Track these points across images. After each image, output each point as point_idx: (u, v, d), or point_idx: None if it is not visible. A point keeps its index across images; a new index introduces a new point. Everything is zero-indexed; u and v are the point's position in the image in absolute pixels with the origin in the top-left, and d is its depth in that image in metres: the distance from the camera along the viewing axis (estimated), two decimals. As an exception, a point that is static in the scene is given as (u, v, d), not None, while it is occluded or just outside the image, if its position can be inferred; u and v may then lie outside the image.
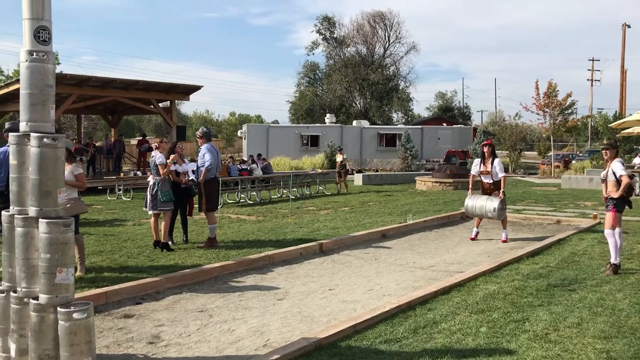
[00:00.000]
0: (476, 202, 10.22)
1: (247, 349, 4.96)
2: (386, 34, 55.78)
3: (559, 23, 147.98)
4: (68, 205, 7.12)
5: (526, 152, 44.51)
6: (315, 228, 11.19)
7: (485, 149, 10.26)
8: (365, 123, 38.52)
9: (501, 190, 10.10)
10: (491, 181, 10.23)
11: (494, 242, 10.25)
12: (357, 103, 55.46)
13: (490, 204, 9.96)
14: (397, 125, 48.29)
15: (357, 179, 24.12)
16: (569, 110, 30.35)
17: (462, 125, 42.14)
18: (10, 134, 4.42)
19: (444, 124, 41.65)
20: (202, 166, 9.38)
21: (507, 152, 33.44)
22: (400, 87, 56.48)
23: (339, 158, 20.33)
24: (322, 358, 4.53)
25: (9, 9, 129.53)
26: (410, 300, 5.99)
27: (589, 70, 53.86)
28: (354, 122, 38.64)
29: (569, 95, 29.09)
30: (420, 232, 11.36)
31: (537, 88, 28.70)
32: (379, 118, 52.41)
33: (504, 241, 10.10)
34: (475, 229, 10.47)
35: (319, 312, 6.04)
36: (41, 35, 4.25)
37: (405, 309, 5.79)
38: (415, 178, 22.63)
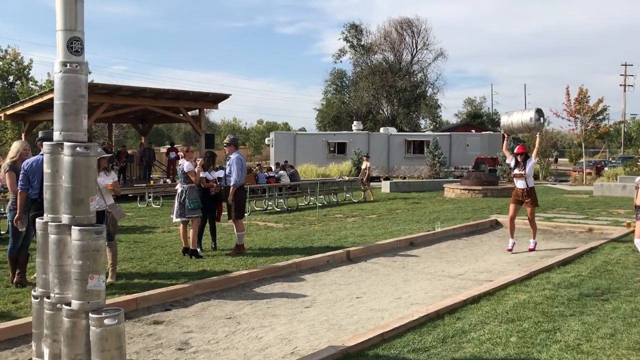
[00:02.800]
0: (512, 117, 10.38)
1: (274, 356, 4.97)
2: (414, 41, 55.57)
3: (591, 28, 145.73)
4: (113, 210, 7.33)
5: (558, 159, 43.78)
6: (343, 236, 11.17)
7: (519, 158, 9.89)
8: (392, 130, 38.36)
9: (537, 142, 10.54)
10: (524, 186, 9.86)
11: (524, 250, 10.09)
12: (385, 110, 55.30)
13: (526, 114, 10.14)
14: (425, 132, 48.02)
15: (385, 186, 24.02)
16: (601, 116, 29.84)
17: (491, 132, 41.60)
18: (44, 142, 4.53)
19: (473, 131, 41.23)
20: (229, 175, 9.41)
21: (537, 159, 32.94)
22: (428, 94, 56.15)
23: (364, 165, 20.30)
24: (350, 366, 4.51)
25: (42, 21, 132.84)
26: (438, 309, 5.94)
27: (621, 75, 52.91)
28: (381, 129, 38.50)
29: (600, 100, 28.62)
30: (449, 240, 11.25)
31: (567, 94, 28.30)
32: (407, 125, 52.14)
33: (532, 249, 9.90)
34: (511, 240, 10.06)
35: (347, 320, 6.02)
36: (74, 45, 4.35)
37: (433, 317, 5.73)
38: (444, 185, 22.44)
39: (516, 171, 9.91)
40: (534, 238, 10.09)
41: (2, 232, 10.91)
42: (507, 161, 10.55)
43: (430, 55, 56.13)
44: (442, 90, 73.06)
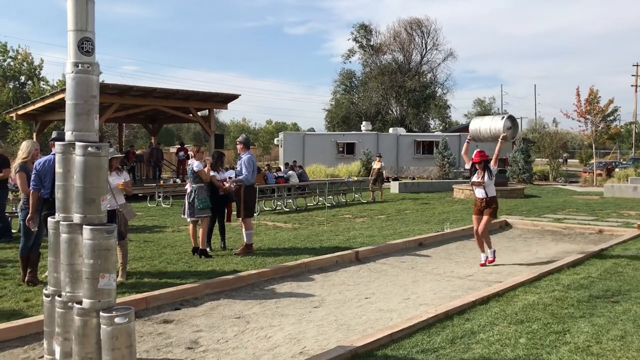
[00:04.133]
0: (482, 123, 9.80)
1: (283, 356, 4.98)
2: (423, 41, 55.49)
3: (602, 28, 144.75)
4: (124, 209, 7.39)
5: (567, 160, 43.54)
6: (351, 236, 11.18)
7: (478, 166, 8.86)
8: (401, 130, 38.31)
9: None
10: (484, 195, 8.87)
11: (534, 252, 10.06)
12: (394, 110, 55.23)
13: (497, 121, 9.48)
14: (434, 132, 47.90)
15: (394, 187, 23.99)
16: (612, 117, 29.66)
17: (500, 133, 41.48)
18: (56, 142, 4.57)
19: (482, 131, 41.02)
20: (240, 174, 9.48)
21: (547, 159, 32.80)
22: (438, 94, 56.03)
23: (377, 165, 20.18)
24: (358, 367, 4.52)
25: (53, 22, 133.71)
26: (447, 309, 5.93)
27: (633, 75, 52.45)
28: (390, 130, 38.47)
29: (611, 101, 28.45)
30: (458, 240, 11.23)
31: (578, 95, 28.16)
32: (416, 125, 52.05)
33: (483, 264, 8.80)
34: (482, 255, 8.94)
35: (355, 320, 6.03)
36: (85, 46, 4.39)
37: (442, 318, 5.73)
38: (453, 186, 22.38)
39: (474, 179, 8.93)
40: (483, 252, 8.93)
41: (13, 231, 11.00)
42: (465, 167, 9.49)
43: (439, 55, 56.04)
44: (452, 91, 72.98)
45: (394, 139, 35.32)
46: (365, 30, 55.86)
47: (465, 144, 9.63)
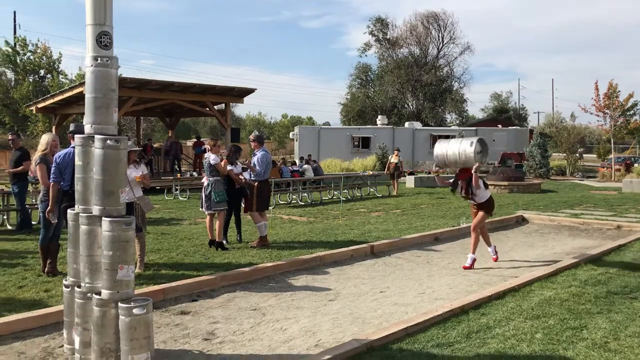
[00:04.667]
0: (449, 146, 8.31)
1: (298, 348, 5.02)
2: (440, 35, 55.16)
3: (621, 21, 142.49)
4: (141, 202, 7.47)
5: (585, 155, 43.05)
6: (366, 230, 11.18)
7: (462, 184, 8.37)
8: (417, 124, 38.13)
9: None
10: (475, 202, 8.50)
11: (550, 247, 9.99)
12: (410, 104, 54.99)
13: (466, 145, 8.10)
14: (450, 126, 47.62)
15: (409, 181, 23.91)
16: (631, 112, 29.26)
17: (517, 127, 41.14)
18: (76, 135, 4.63)
19: (499, 126, 40.78)
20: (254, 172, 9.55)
21: (565, 154, 32.48)
22: (454, 88, 55.69)
23: (394, 159, 20.19)
24: (373, 360, 4.54)
25: (71, 16, 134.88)
26: (463, 304, 5.93)
27: (653, 69, 51.59)
28: (406, 124, 38.31)
29: (631, 95, 28.07)
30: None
31: (596, 89, 27.84)
32: (432, 119, 51.78)
33: (467, 267, 8.23)
34: (471, 255, 8.41)
35: (370, 314, 6.04)
36: (103, 40, 4.43)
37: (458, 313, 5.72)
38: (469, 181, 22.22)
39: (463, 194, 8.46)
40: (473, 252, 8.42)
41: (33, 223, 11.17)
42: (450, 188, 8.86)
43: (456, 49, 55.68)
44: (469, 85, 72.34)
45: (410, 133, 35.18)
46: (381, 23, 55.63)
47: (436, 177, 9.16)
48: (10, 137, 11.67)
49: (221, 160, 9.28)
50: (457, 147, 8.24)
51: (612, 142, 30.27)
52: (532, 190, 20.43)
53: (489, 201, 8.59)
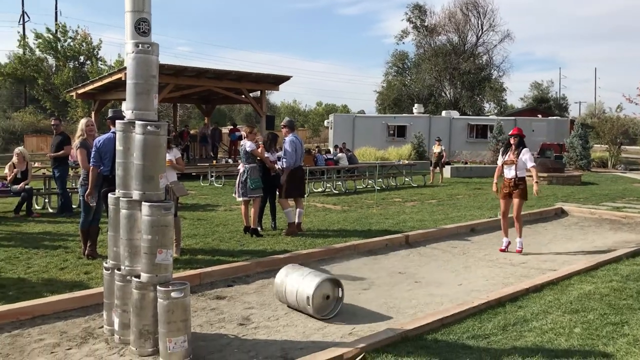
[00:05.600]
0: (287, 280, 5.70)
1: (333, 335, 5.03)
2: (479, 22, 54.00)
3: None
4: (174, 186, 7.56)
5: (628, 147, 41.83)
6: (401, 220, 11.11)
7: (512, 140, 8.71)
8: (454, 113, 37.56)
9: (534, 182, 8.53)
10: (514, 175, 8.56)
11: (590, 240, 9.76)
12: (447, 93, 54.20)
13: (305, 287, 5.45)
14: (488, 116, 46.83)
15: (446, 172, 23.62)
16: (679, 102, 28.29)
17: (558, 117, 40.19)
18: (117, 121, 4.70)
19: (539, 116, 39.89)
20: (284, 157, 9.53)
21: (607, 146, 31.61)
22: (493, 77, 54.59)
23: (437, 149, 20.11)
24: (408, 349, 4.51)
25: (111, 2, 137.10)
26: (499, 296, 5.84)
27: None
28: (443, 113, 37.79)
29: (680, 85, 27.10)
30: (511, 227, 10.99)
31: (643, 78, 26.94)
32: (470, 108, 50.96)
33: (519, 251, 8.58)
34: (505, 239, 8.81)
35: (405, 304, 6.01)
36: (141, 27, 4.48)
37: (494, 305, 5.65)
38: (507, 171, 21.87)
39: (508, 157, 8.63)
40: (520, 237, 8.72)
41: (74, 207, 11.44)
42: (500, 158, 8.91)
43: (496, 36, 54.40)
44: (508, 73, 70.75)
45: (447, 123, 34.70)
46: (419, 10, 54.81)
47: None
48: (53, 122, 11.97)
49: (258, 147, 9.33)
50: (298, 284, 5.57)
51: (657, 133, 29.36)
52: (572, 182, 19.98)
53: (525, 181, 8.74)
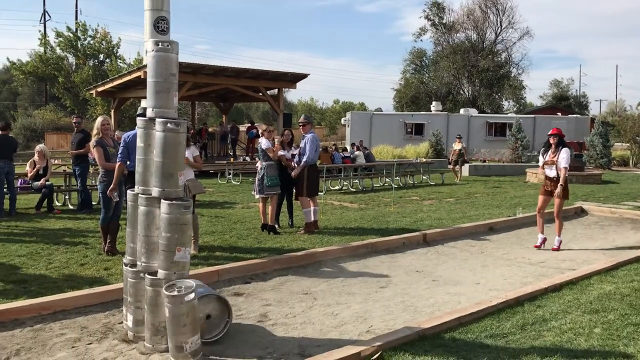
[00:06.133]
0: None
1: (350, 333, 5.03)
2: (498, 19, 53.55)
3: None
4: (191, 184, 7.60)
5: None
6: (419, 218, 11.07)
7: (552, 140, 8.70)
8: (473, 111, 37.32)
9: (559, 185, 8.50)
10: (555, 175, 8.65)
11: (611, 240, 9.64)
12: (465, 91, 53.83)
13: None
14: (507, 114, 46.43)
15: (464, 170, 23.46)
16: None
17: (578, 115, 39.75)
18: (138, 118, 4.75)
19: (559, 114, 39.50)
20: (303, 154, 9.49)
21: (628, 144, 31.15)
22: (512, 75, 54.08)
23: (457, 146, 20.04)
24: (426, 348, 4.50)
25: (130, 1, 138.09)
26: (518, 295, 5.80)
27: None
28: (462, 110, 37.56)
29: (703, 83, 26.63)
30: (530, 226, 10.87)
31: (665, 75, 26.50)
32: (488, 106, 50.53)
33: (556, 249, 8.64)
34: (540, 236, 8.89)
35: (422, 302, 6.00)
36: (160, 25, 4.52)
37: (512, 304, 5.60)
38: (526, 170, 21.67)
39: (548, 157, 8.74)
40: (559, 235, 8.78)
41: (93, 203, 11.58)
42: (540, 158, 9.03)
43: (515, 34, 53.90)
44: (527, 71, 70.04)
45: (465, 120, 34.48)
46: (438, 7, 54.48)
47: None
48: (74, 119, 12.11)
49: (273, 145, 9.35)
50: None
51: (680, 132, 28.86)
52: (592, 180, 19.74)
53: (567, 181, 8.71)
